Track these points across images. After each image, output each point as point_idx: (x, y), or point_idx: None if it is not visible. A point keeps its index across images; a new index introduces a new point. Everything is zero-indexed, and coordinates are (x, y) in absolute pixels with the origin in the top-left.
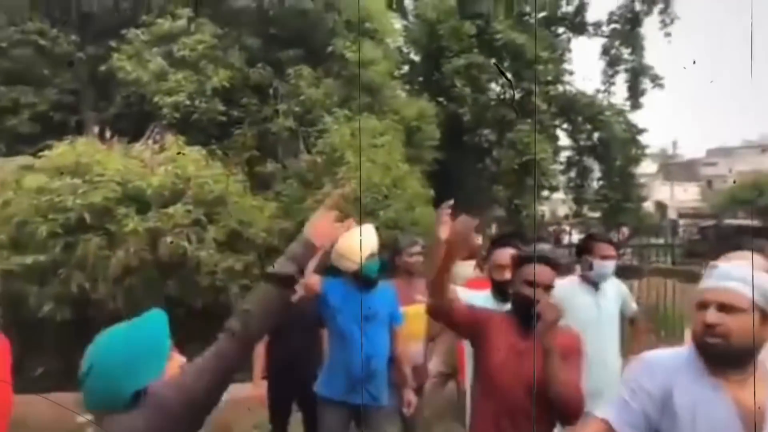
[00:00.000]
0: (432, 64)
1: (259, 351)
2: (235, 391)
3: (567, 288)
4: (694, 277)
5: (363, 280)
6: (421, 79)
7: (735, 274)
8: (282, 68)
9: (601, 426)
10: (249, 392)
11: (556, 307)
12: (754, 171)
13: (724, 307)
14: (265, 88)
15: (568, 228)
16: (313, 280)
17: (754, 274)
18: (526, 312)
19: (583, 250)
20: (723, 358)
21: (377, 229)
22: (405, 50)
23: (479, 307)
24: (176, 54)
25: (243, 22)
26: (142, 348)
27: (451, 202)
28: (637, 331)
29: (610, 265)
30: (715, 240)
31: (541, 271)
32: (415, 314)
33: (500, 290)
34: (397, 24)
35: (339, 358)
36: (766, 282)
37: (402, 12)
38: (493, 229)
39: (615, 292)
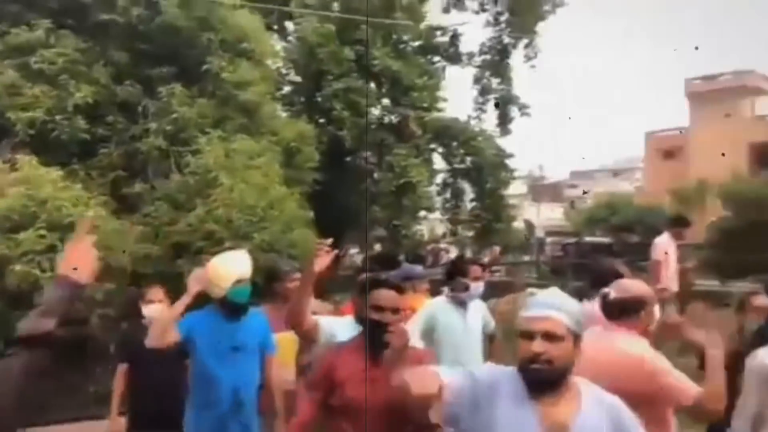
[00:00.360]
0: (313, 87)
1: (118, 383)
2: (89, 428)
3: (438, 306)
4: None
5: (230, 308)
6: (302, 100)
7: (553, 303)
8: (152, 86)
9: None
10: (105, 429)
11: (405, 332)
12: (608, 192)
13: (547, 336)
14: (134, 106)
15: (444, 246)
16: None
17: (566, 302)
18: (376, 338)
19: (456, 271)
20: (544, 382)
21: (250, 252)
22: (285, 71)
23: (328, 349)
24: (33, 67)
25: (110, 35)
26: None
27: (329, 241)
28: (495, 348)
29: (479, 286)
30: (574, 256)
31: (387, 296)
32: (287, 341)
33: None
34: (277, 45)
35: (202, 393)
36: (576, 308)
37: (282, 33)
38: (376, 248)
39: (478, 310)
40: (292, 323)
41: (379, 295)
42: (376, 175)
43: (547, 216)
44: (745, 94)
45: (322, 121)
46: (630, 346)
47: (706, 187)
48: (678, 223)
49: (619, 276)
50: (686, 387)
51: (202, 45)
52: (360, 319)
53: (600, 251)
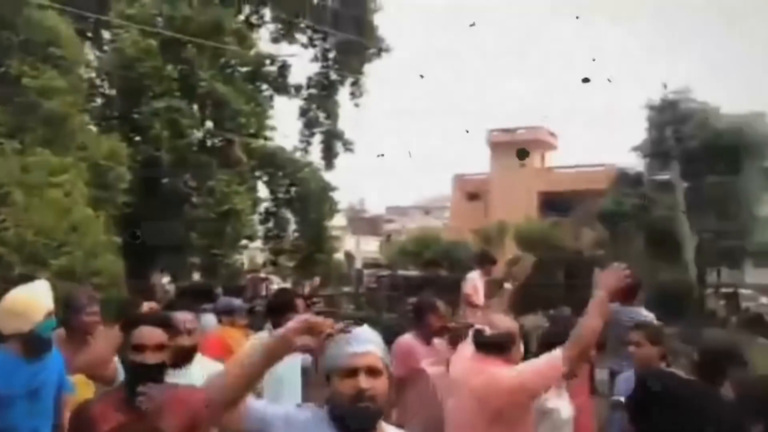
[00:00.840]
0: (129, 102)
1: None
2: None
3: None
4: (376, 323)
5: (36, 345)
6: (116, 114)
7: (373, 338)
8: None
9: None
10: None
11: (153, 397)
12: (420, 228)
13: (371, 371)
14: None
15: (264, 276)
16: None
17: (379, 338)
18: (137, 382)
19: (280, 305)
20: (368, 420)
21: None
22: (98, 83)
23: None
24: None
25: None
26: None
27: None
28: (313, 382)
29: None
30: (388, 288)
31: (148, 334)
32: (83, 382)
33: None
34: (90, 54)
35: None
36: (384, 344)
37: (97, 42)
38: (193, 277)
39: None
40: (93, 369)
41: (140, 334)
42: (195, 200)
43: (365, 249)
44: (536, 147)
45: (137, 139)
46: (498, 371)
47: (504, 227)
48: (485, 261)
49: (435, 308)
50: (552, 362)
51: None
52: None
53: (412, 285)
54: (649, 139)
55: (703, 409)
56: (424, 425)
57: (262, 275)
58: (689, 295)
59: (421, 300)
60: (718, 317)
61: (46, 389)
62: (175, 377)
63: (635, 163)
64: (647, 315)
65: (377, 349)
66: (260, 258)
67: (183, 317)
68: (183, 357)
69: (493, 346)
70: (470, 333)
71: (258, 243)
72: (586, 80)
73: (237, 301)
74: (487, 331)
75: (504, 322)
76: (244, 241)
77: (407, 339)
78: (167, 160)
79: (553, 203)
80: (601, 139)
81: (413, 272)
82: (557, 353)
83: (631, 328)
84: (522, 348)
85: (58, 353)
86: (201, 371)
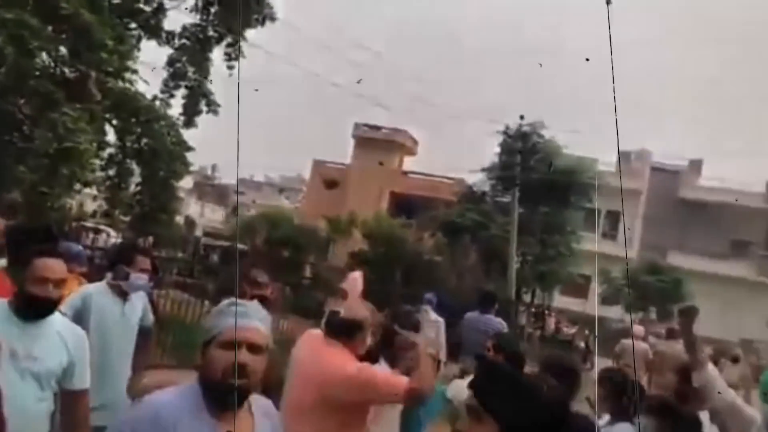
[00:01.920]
0: None
1: None
2: None
3: (95, 291)
4: (205, 293)
5: None
6: None
7: (254, 313)
8: None
9: None
10: None
11: None
12: (272, 206)
13: (252, 347)
14: None
15: (102, 228)
16: None
17: (265, 314)
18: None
19: (121, 259)
20: (240, 396)
21: None
22: None
23: None
24: None
25: None
26: None
27: None
28: (146, 343)
29: (145, 278)
30: (217, 259)
31: (54, 266)
32: None
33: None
34: None
35: None
36: (269, 321)
37: None
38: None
39: (141, 303)
40: None
41: (45, 265)
42: (26, 129)
43: (209, 216)
44: (396, 149)
45: None
46: (337, 358)
47: (354, 220)
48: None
49: (255, 283)
50: (396, 382)
51: None
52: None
53: (235, 257)
54: (499, 163)
55: (535, 387)
56: None
57: (97, 226)
58: (507, 309)
59: (242, 274)
60: (524, 331)
61: None
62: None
63: (482, 182)
64: (500, 323)
65: (262, 325)
66: (91, 206)
67: (55, 265)
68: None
69: (342, 330)
70: (325, 313)
71: (92, 189)
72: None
73: (77, 247)
74: (342, 313)
75: (360, 309)
76: (77, 186)
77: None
78: (7, 78)
79: (404, 205)
80: (457, 153)
81: (242, 246)
82: (403, 380)
83: (487, 334)
84: (369, 340)
85: None
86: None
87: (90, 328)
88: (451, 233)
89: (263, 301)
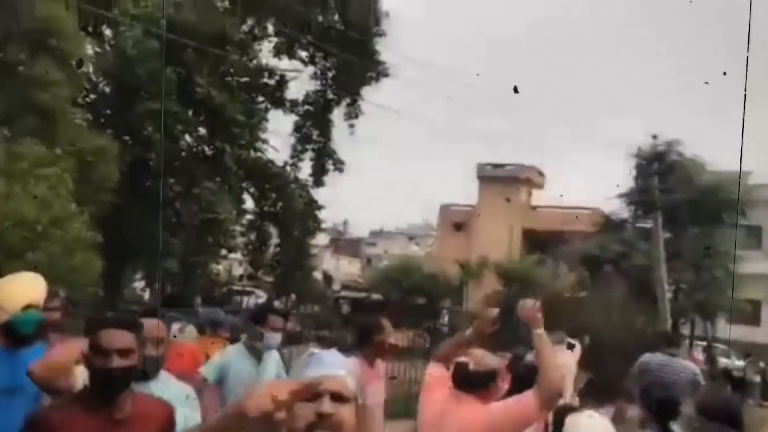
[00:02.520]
0: (124, 101)
1: None
2: None
3: (232, 353)
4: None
5: (13, 338)
6: (108, 112)
7: (340, 363)
8: None
9: None
10: None
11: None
12: (402, 255)
13: (335, 396)
14: None
15: (249, 290)
16: None
17: (350, 364)
18: (104, 388)
19: (256, 319)
20: None
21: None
22: (95, 79)
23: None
24: None
25: None
26: None
27: None
28: None
29: (278, 337)
30: (347, 311)
31: (115, 337)
32: None
33: None
34: (90, 50)
35: None
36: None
37: (99, 38)
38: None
39: (274, 361)
40: (48, 377)
41: (107, 336)
42: (178, 205)
43: (345, 270)
44: (523, 185)
45: (127, 139)
46: (471, 411)
47: (486, 262)
48: None
49: (380, 328)
50: (524, 400)
51: None
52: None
53: (371, 308)
54: (636, 187)
55: None
56: None
57: (247, 288)
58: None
59: (366, 320)
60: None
61: (24, 391)
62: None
63: (620, 209)
64: (694, 370)
65: (347, 375)
66: (237, 269)
67: (153, 325)
68: (148, 368)
69: (474, 382)
70: (452, 368)
71: (237, 254)
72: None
73: (221, 313)
74: (471, 366)
75: (488, 358)
76: (224, 251)
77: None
78: (156, 162)
79: (537, 242)
80: (590, 180)
81: (376, 297)
82: (528, 392)
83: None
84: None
85: (44, 351)
86: (162, 388)
87: (229, 387)
88: (592, 266)
89: (390, 349)
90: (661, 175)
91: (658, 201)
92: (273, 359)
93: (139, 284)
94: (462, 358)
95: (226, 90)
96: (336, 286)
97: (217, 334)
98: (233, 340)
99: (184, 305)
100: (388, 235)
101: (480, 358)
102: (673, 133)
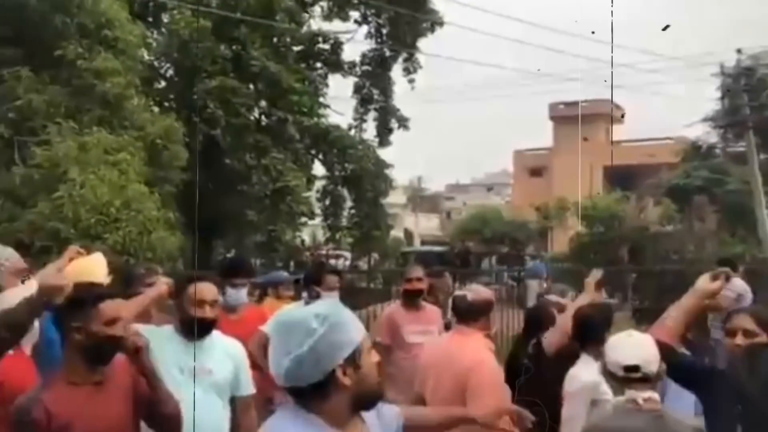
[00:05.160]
0: (186, 83)
1: None
2: None
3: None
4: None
5: None
6: (171, 96)
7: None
8: None
9: None
10: None
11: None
12: (481, 205)
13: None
14: None
15: (339, 252)
16: None
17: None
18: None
19: (312, 280)
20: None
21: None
22: (158, 65)
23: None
24: None
25: None
26: None
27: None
28: None
29: (334, 296)
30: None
31: (206, 288)
32: None
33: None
34: (149, 38)
35: None
36: None
37: (156, 24)
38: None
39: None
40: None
41: (199, 289)
42: (254, 178)
43: (425, 226)
44: (600, 120)
45: (195, 119)
46: (477, 351)
47: (565, 204)
48: None
49: (407, 276)
50: (483, 403)
51: (55, 28)
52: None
53: (433, 260)
54: (723, 109)
55: None
56: (406, 397)
57: (326, 252)
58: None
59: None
60: None
61: None
62: (192, 348)
63: (707, 134)
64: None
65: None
66: (321, 236)
67: (207, 288)
68: (202, 328)
69: (472, 313)
70: (450, 300)
71: (318, 220)
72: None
73: (283, 274)
74: (469, 297)
75: (484, 291)
76: (303, 219)
77: (392, 308)
78: (226, 139)
79: (619, 178)
80: (670, 108)
81: (437, 248)
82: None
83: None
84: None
85: None
86: (213, 345)
87: None
88: (679, 198)
89: (419, 294)
90: (750, 92)
91: (749, 120)
92: None
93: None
94: (460, 291)
95: (281, 60)
96: (417, 242)
97: (279, 295)
98: (297, 300)
99: (242, 271)
100: (464, 187)
101: (478, 291)
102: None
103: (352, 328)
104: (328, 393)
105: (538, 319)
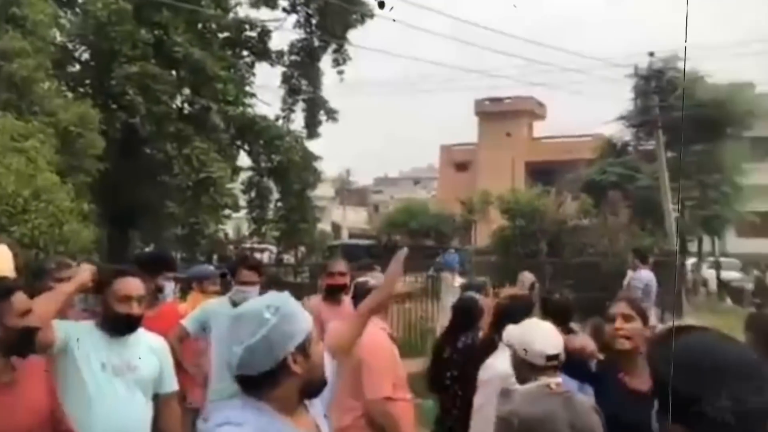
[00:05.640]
0: (103, 67)
1: None
2: None
3: (213, 306)
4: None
5: None
6: (87, 81)
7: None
8: None
9: None
10: None
11: None
12: (408, 199)
13: None
14: None
15: (263, 246)
16: None
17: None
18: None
19: (232, 273)
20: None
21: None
22: (72, 47)
23: None
24: None
25: None
26: None
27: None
28: None
29: (251, 290)
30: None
31: (133, 283)
32: None
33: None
34: (62, 18)
35: None
36: None
37: (70, 4)
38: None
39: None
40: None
41: (125, 284)
42: (176, 168)
43: (354, 219)
44: (524, 117)
45: (113, 106)
46: (373, 334)
47: (489, 198)
48: None
49: (328, 270)
50: (374, 385)
51: None
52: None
53: (360, 253)
54: (635, 109)
55: None
56: None
57: (251, 245)
58: (671, 262)
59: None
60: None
61: None
62: (116, 345)
63: (621, 132)
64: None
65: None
66: (246, 229)
67: (134, 284)
68: (128, 325)
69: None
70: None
71: (243, 213)
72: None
73: (209, 268)
74: (370, 282)
75: (382, 277)
76: (227, 211)
77: (313, 302)
78: (146, 127)
79: (540, 173)
80: (589, 107)
81: (363, 242)
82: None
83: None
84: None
85: None
86: (138, 344)
87: (212, 339)
88: (595, 193)
89: (342, 288)
90: (660, 93)
91: (658, 120)
92: None
93: (148, 250)
94: (362, 278)
95: (206, 46)
96: (344, 235)
97: (204, 290)
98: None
99: (163, 265)
100: (392, 181)
101: (379, 277)
102: (672, 48)
103: (302, 319)
104: (278, 381)
105: (467, 313)
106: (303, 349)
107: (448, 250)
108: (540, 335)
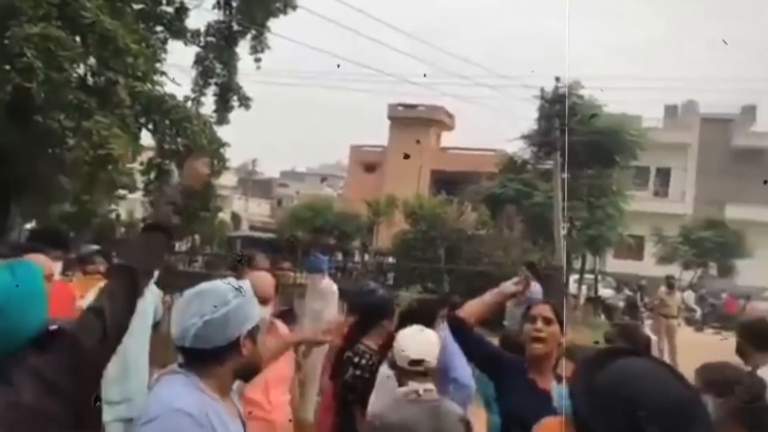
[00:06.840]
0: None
1: None
2: None
3: None
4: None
5: None
6: None
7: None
8: None
9: None
10: None
11: None
12: (314, 195)
13: None
14: None
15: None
16: None
17: None
18: None
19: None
20: None
21: None
22: None
23: None
24: None
25: None
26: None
27: None
28: (160, 337)
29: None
30: (239, 249)
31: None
32: None
33: None
34: None
35: None
36: None
37: None
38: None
39: (153, 299)
40: None
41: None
42: (70, 141)
43: (255, 211)
44: (434, 126)
45: (6, 67)
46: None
47: (394, 201)
48: None
49: (254, 267)
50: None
51: None
52: None
53: (259, 246)
54: (538, 129)
55: None
56: None
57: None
58: (557, 277)
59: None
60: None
61: None
62: None
63: (523, 150)
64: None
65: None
66: (140, 212)
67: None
68: None
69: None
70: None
71: (138, 194)
72: None
73: (95, 249)
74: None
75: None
76: (122, 191)
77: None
78: (42, 94)
79: (445, 182)
80: (496, 123)
81: (265, 235)
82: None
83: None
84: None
85: None
86: None
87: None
88: (493, 205)
89: None
90: (561, 117)
91: (557, 142)
92: (153, 296)
93: (30, 226)
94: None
95: (117, 16)
96: (244, 227)
97: (90, 271)
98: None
99: (57, 243)
100: (299, 175)
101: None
102: (576, 77)
103: (256, 306)
104: (225, 358)
105: (374, 313)
106: (252, 333)
107: (314, 253)
108: (408, 340)
